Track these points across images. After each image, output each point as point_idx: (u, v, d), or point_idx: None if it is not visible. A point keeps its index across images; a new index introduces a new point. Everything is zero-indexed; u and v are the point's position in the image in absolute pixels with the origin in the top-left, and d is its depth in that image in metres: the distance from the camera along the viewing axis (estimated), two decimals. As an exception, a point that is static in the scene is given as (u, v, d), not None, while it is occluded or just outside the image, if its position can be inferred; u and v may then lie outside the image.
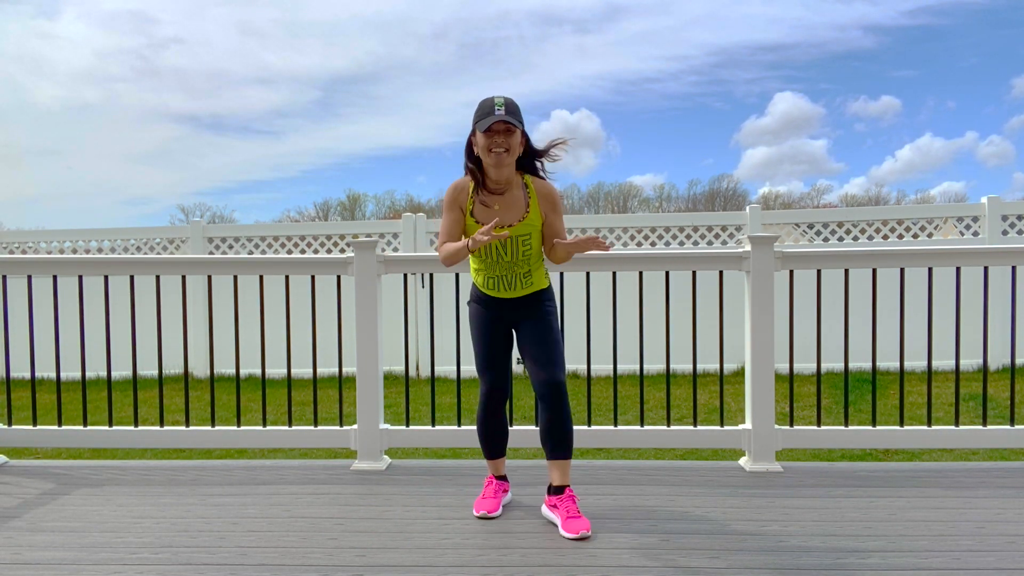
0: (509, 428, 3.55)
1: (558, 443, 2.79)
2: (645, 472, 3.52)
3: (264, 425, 3.88)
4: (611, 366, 3.88)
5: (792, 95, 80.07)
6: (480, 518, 2.90)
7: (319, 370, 4.49)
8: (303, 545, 2.63)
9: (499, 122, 2.64)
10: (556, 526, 2.76)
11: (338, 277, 3.85)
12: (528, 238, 2.78)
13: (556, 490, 2.82)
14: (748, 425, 3.64)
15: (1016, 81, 76.11)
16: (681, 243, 8.78)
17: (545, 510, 2.89)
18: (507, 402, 3.01)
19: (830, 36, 79.63)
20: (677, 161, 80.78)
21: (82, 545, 2.65)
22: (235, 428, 3.88)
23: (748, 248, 3.60)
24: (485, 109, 2.68)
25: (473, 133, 2.75)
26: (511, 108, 2.67)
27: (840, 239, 8.87)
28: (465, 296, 3.84)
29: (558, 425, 2.77)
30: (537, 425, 2.89)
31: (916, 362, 7.63)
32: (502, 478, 3.09)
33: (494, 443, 3.04)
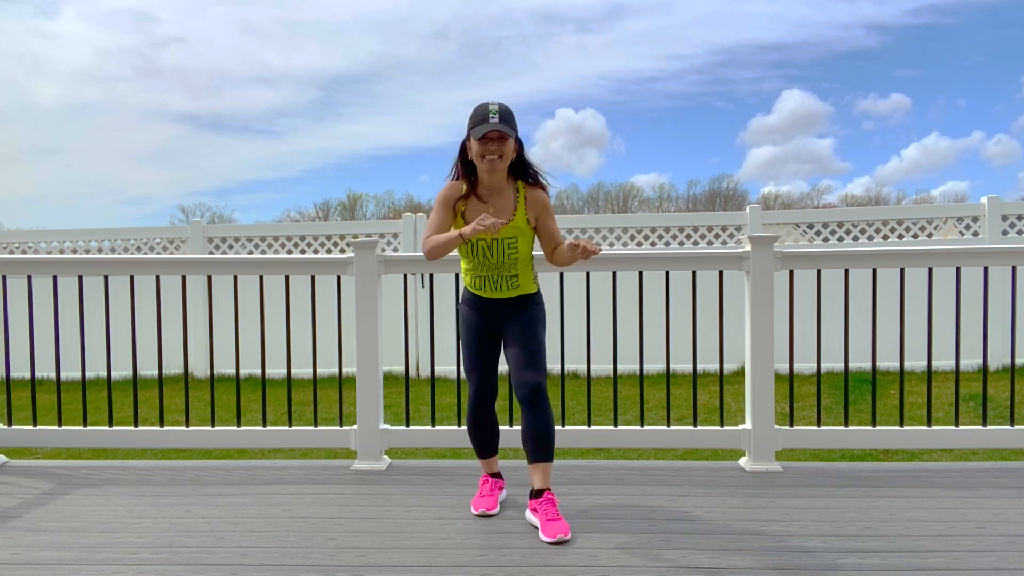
0: (509, 428, 3.59)
1: (538, 446, 2.77)
2: (645, 472, 3.52)
3: (264, 425, 3.88)
4: (611, 366, 3.88)
5: (800, 93, 79.41)
6: (479, 516, 2.92)
7: (319, 370, 4.49)
8: (303, 545, 2.63)
9: (493, 130, 2.69)
10: (537, 529, 2.74)
11: (338, 277, 3.85)
12: (514, 241, 2.81)
13: (536, 493, 2.79)
14: (748, 425, 3.64)
15: (1025, 79, 75.73)
16: (681, 243, 8.78)
17: (528, 514, 2.84)
18: (495, 401, 3.02)
19: (833, 35, 79.38)
20: (682, 160, 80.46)
21: (82, 545, 2.65)
22: (235, 428, 3.88)
23: (748, 248, 3.60)
24: (479, 116, 2.73)
25: (468, 138, 2.80)
26: (505, 116, 2.73)
27: (840, 239, 8.86)
28: (465, 296, 3.84)
29: (538, 428, 2.75)
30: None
31: (916, 362, 7.63)
32: (496, 475, 3.10)
33: (485, 442, 3.06)
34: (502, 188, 2.83)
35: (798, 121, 77.50)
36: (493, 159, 2.72)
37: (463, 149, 2.85)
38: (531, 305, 2.91)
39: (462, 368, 3.02)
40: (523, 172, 2.88)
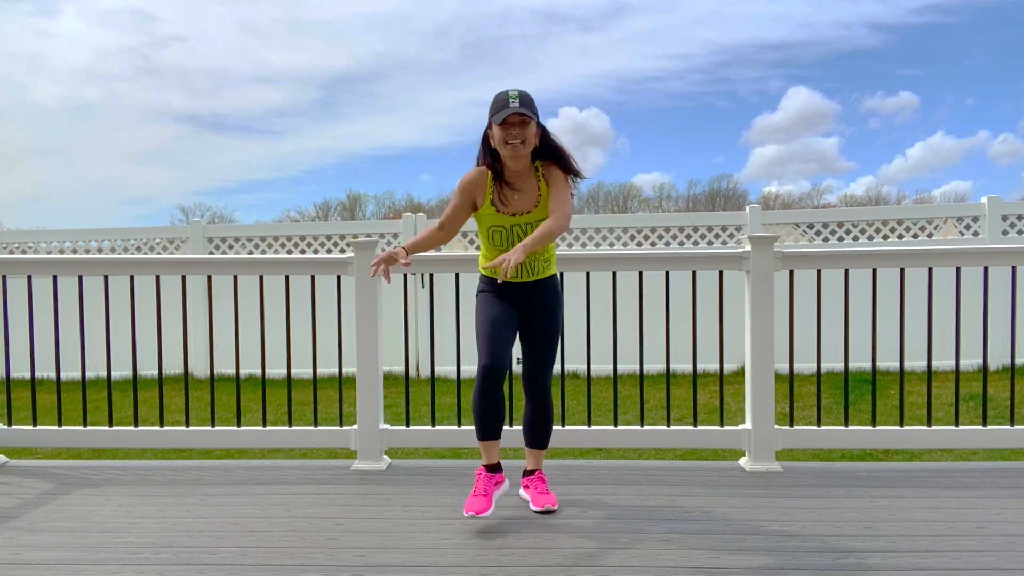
0: (509, 428, 3.58)
1: (535, 435, 3.07)
2: (645, 472, 3.52)
3: (264, 425, 3.88)
4: (611, 366, 3.88)
5: (807, 91, 78.96)
6: (471, 520, 2.79)
7: (319, 370, 4.49)
8: (303, 545, 2.63)
9: (514, 114, 2.70)
10: (528, 502, 3.02)
11: (338, 277, 3.85)
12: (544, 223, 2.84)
13: (529, 472, 3.08)
14: (748, 425, 3.64)
15: (1030, 79, 75.25)
16: (681, 243, 8.78)
17: (520, 491, 3.10)
18: (504, 380, 2.84)
19: (835, 34, 79.11)
20: (686, 160, 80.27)
21: (82, 545, 2.65)
22: (235, 428, 3.88)
23: (748, 248, 3.60)
24: (500, 102, 2.75)
25: (489, 127, 2.81)
26: (525, 100, 2.74)
27: (840, 239, 8.86)
28: (465, 296, 3.84)
29: (537, 420, 3.04)
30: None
31: (916, 362, 7.62)
32: (494, 468, 2.88)
33: (489, 421, 2.83)
34: (527, 173, 2.85)
35: (804, 119, 77.24)
36: (516, 144, 2.72)
37: (486, 138, 2.86)
38: (554, 294, 2.97)
39: (474, 367, 2.85)
40: (550, 156, 2.87)
